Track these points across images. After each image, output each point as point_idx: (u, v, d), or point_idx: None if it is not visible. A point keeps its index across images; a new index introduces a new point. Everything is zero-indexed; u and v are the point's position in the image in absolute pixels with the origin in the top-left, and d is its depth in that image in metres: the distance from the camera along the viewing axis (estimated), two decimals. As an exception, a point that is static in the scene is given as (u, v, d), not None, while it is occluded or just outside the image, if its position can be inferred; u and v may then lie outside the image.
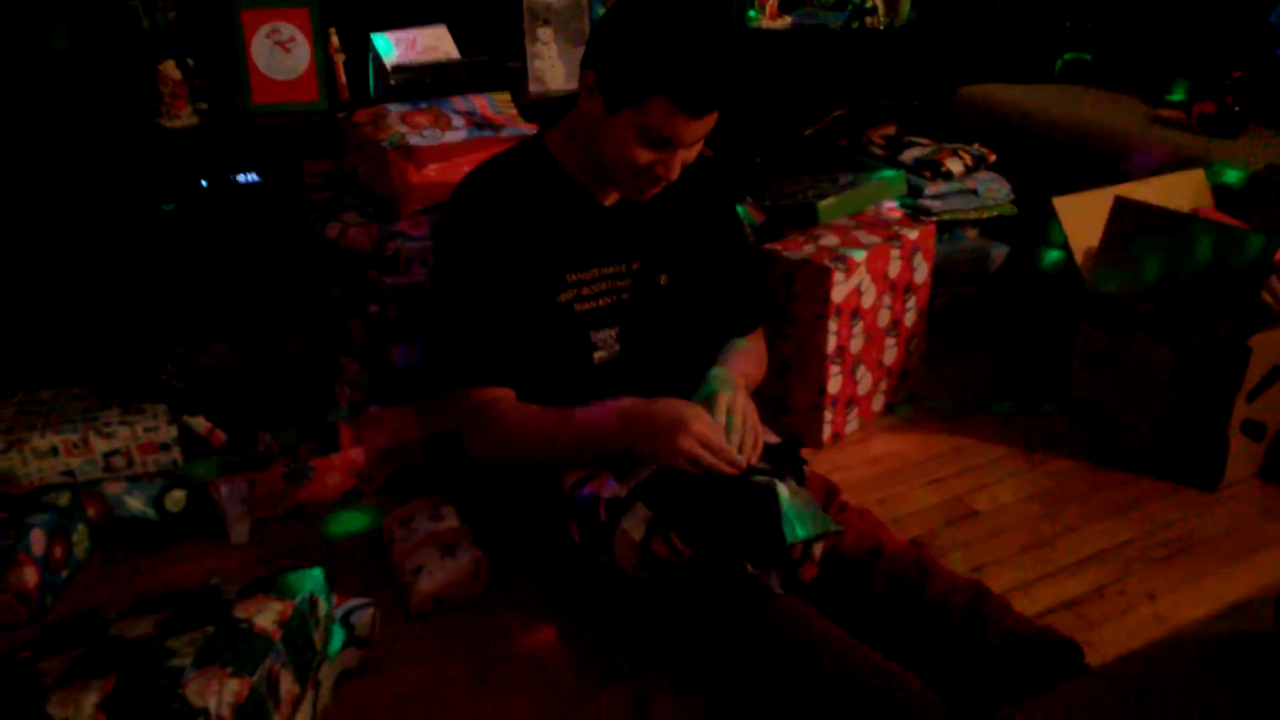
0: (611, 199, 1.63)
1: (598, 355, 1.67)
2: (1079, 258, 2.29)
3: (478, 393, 1.58)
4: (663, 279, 1.70)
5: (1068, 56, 3.50)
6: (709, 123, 1.46)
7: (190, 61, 2.34)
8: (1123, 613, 1.72)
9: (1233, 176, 2.46)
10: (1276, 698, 1.08)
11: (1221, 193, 2.47)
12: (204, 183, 2.44)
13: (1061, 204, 2.31)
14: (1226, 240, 2.03)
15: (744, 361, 1.72)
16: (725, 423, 1.48)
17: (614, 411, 1.48)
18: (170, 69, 2.28)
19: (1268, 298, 2.03)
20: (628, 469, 1.48)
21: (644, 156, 1.46)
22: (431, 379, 1.80)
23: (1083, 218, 2.29)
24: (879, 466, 2.17)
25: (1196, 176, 2.48)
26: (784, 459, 1.52)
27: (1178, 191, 2.39)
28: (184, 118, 2.31)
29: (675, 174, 1.50)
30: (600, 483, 1.49)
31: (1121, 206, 2.16)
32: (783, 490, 1.40)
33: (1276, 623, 1.13)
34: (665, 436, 1.41)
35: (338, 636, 1.55)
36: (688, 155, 1.50)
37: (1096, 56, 3.44)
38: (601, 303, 1.65)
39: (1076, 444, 2.23)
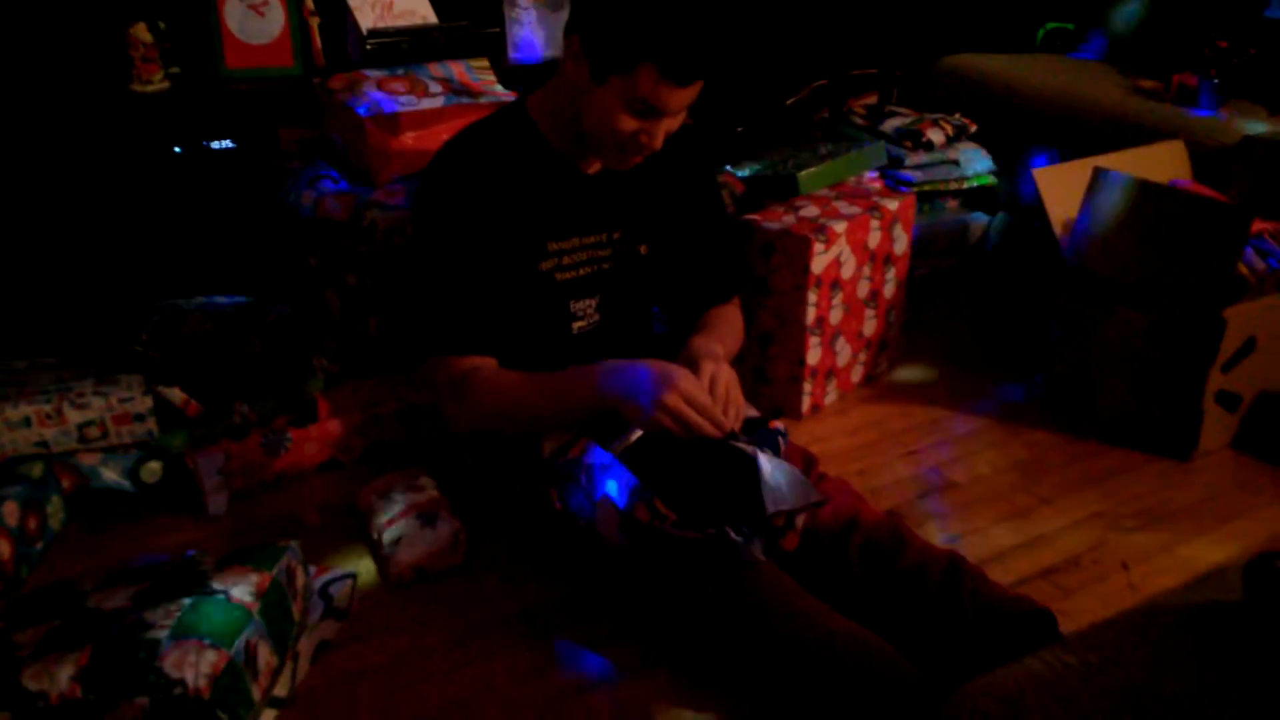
0: (594, 168, 1.62)
1: (577, 325, 1.67)
2: (1058, 229, 2.30)
3: (457, 361, 1.57)
4: (642, 249, 1.69)
5: (1050, 25, 3.49)
6: (694, 92, 1.45)
7: (161, 24, 2.30)
8: (1097, 581, 1.74)
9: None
10: (1246, 665, 1.09)
11: (1200, 164, 2.48)
12: (177, 149, 2.40)
13: (1041, 175, 2.32)
14: (1203, 212, 2.04)
15: (723, 331, 1.72)
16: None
17: (597, 371, 1.48)
18: (141, 32, 2.24)
19: (1243, 269, 2.04)
20: (611, 435, 1.47)
21: (629, 124, 1.45)
22: (409, 348, 1.79)
23: (1062, 189, 2.30)
24: (858, 438, 2.18)
25: (1175, 147, 2.49)
26: (761, 431, 1.52)
27: (1156, 162, 2.40)
28: (156, 82, 2.27)
29: (659, 143, 1.49)
30: (581, 449, 1.48)
31: (1100, 177, 2.17)
32: (763, 461, 1.40)
33: (1245, 591, 1.14)
34: (649, 392, 1.40)
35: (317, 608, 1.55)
36: (672, 124, 1.49)
37: (1079, 25, 3.44)
38: (582, 272, 1.64)
39: (1053, 415, 2.25)
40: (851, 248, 2.16)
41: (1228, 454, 2.12)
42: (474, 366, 1.56)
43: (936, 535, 1.84)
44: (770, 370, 2.23)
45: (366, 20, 2.42)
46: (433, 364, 1.59)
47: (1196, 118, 2.65)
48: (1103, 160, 2.26)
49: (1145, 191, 2.11)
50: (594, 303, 1.67)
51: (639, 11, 1.38)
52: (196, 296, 2.19)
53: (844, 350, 2.27)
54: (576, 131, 1.54)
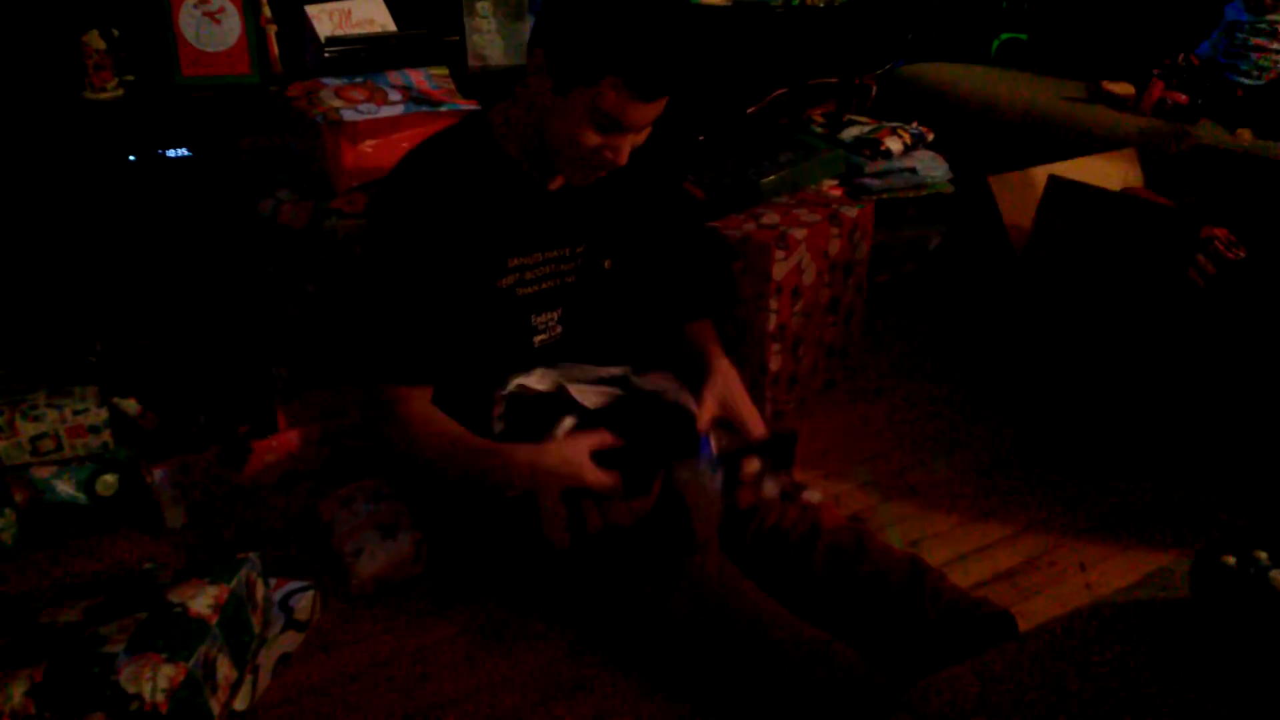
0: (556, 182, 1.60)
1: (538, 338, 1.65)
2: (1013, 236, 2.33)
3: (391, 389, 1.54)
4: (607, 263, 1.68)
5: (1004, 36, 3.54)
6: (659, 107, 1.43)
7: (115, 31, 2.27)
8: (1054, 583, 1.76)
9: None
10: (1190, 662, 1.11)
11: (1152, 172, 2.53)
12: (131, 158, 2.37)
13: (996, 182, 2.35)
14: (1155, 219, 2.08)
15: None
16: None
17: (513, 463, 1.48)
18: (94, 39, 2.21)
19: (1194, 275, 2.08)
20: (541, 431, 1.50)
21: (593, 139, 1.42)
22: (353, 365, 1.78)
23: (1017, 196, 2.33)
24: (819, 444, 2.19)
25: (1128, 155, 2.53)
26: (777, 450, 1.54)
27: (1109, 171, 2.44)
28: (109, 90, 2.24)
29: (624, 159, 1.46)
30: None
31: (1054, 185, 2.20)
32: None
33: (1192, 587, 1.17)
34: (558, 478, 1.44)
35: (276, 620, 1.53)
36: (636, 140, 1.46)
37: (1033, 36, 3.49)
38: (544, 286, 1.63)
39: (1011, 419, 2.27)
40: (812, 255, 2.18)
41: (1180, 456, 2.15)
42: (405, 396, 1.54)
43: (898, 539, 1.85)
44: (732, 377, 2.24)
45: (324, 28, 2.40)
46: (370, 385, 1.59)
47: (1150, 126, 2.70)
48: (1057, 168, 2.30)
49: (1099, 199, 2.14)
50: (556, 315, 1.66)
51: (605, 23, 1.36)
52: (153, 307, 2.16)
53: (805, 357, 2.29)
54: (539, 145, 1.52)
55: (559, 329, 1.66)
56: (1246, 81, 2.81)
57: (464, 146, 1.56)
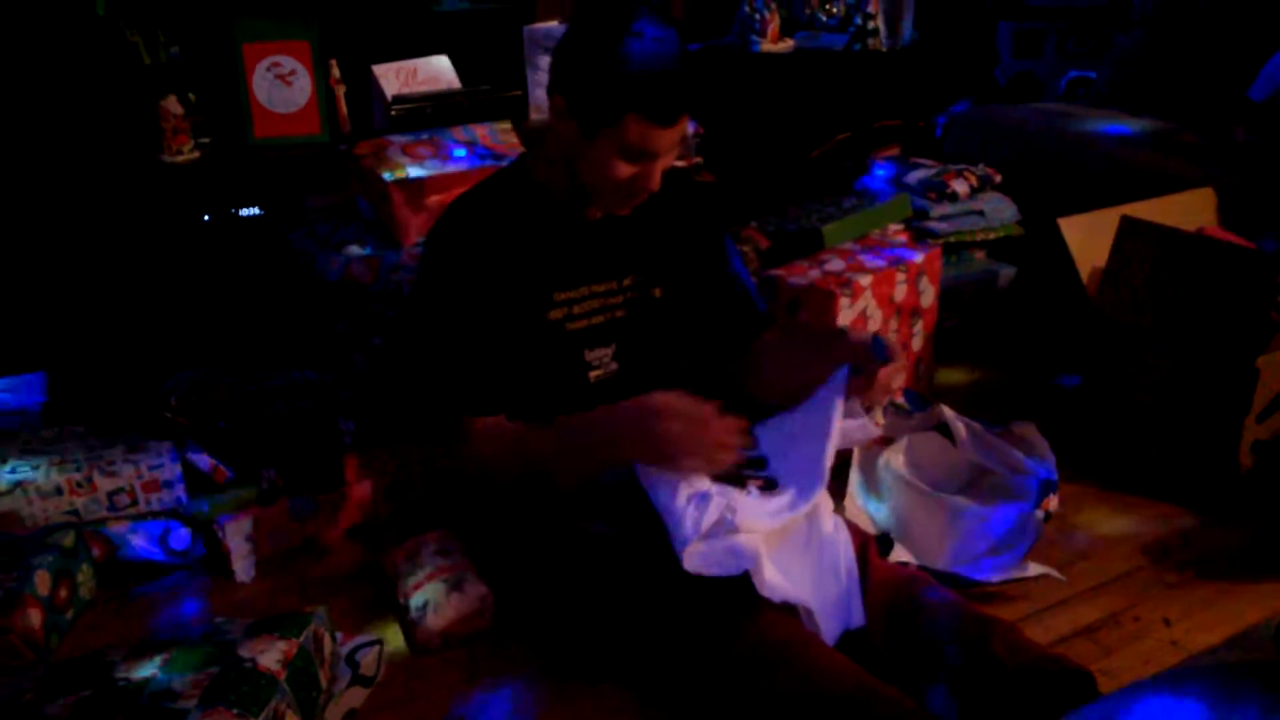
0: (595, 215, 1.64)
1: (593, 374, 1.67)
2: (1085, 278, 2.28)
3: (465, 421, 1.58)
4: (656, 292, 1.70)
5: (1071, 75, 3.50)
6: (682, 128, 1.50)
7: (192, 96, 2.35)
8: (1137, 639, 1.69)
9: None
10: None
11: (1228, 212, 2.46)
12: (206, 217, 2.44)
13: (1067, 224, 2.30)
14: (1234, 259, 2.02)
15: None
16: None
17: (596, 423, 1.51)
18: (172, 104, 2.29)
19: (1277, 317, 2.01)
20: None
21: (625, 171, 1.50)
22: (422, 409, 1.81)
23: (1089, 238, 2.28)
24: (888, 492, 2.15)
25: (1204, 195, 2.47)
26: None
27: (1184, 211, 2.38)
28: (186, 153, 2.32)
29: (657, 183, 1.54)
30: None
31: (1128, 226, 2.15)
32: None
33: (1277, 653, 1.12)
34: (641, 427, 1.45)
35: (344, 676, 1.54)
36: (666, 161, 1.53)
37: (1101, 76, 3.44)
38: (595, 320, 1.65)
39: (1087, 467, 2.20)
40: (877, 301, 2.16)
41: (1266, 504, 2.07)
42: (478, 428, 1.57)
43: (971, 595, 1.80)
44: (798, 425, 2.21)
45: (391, 87, 2.46)
46: (448, 423, 1.61)
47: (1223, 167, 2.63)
48: (1130, 209, 2.24)
49: (1175, 239, 2.09)
50: (610, 351, 1.67)
51: (616, 69, 1.43)
52: (225, 362, 2.20)
53: (872, 404, 2.25)
54: (574, 183, 1.57)
55: (614, 365, 1.68)
56: None
57: (504, 189, 1.64)
